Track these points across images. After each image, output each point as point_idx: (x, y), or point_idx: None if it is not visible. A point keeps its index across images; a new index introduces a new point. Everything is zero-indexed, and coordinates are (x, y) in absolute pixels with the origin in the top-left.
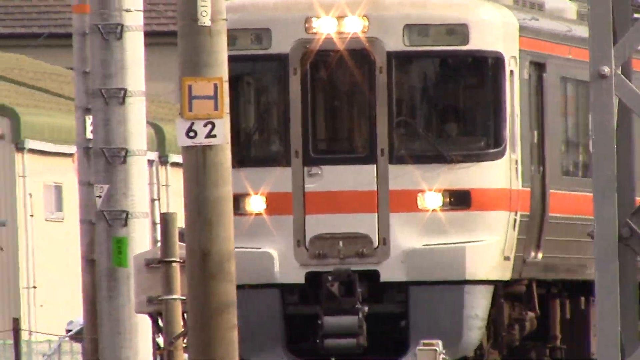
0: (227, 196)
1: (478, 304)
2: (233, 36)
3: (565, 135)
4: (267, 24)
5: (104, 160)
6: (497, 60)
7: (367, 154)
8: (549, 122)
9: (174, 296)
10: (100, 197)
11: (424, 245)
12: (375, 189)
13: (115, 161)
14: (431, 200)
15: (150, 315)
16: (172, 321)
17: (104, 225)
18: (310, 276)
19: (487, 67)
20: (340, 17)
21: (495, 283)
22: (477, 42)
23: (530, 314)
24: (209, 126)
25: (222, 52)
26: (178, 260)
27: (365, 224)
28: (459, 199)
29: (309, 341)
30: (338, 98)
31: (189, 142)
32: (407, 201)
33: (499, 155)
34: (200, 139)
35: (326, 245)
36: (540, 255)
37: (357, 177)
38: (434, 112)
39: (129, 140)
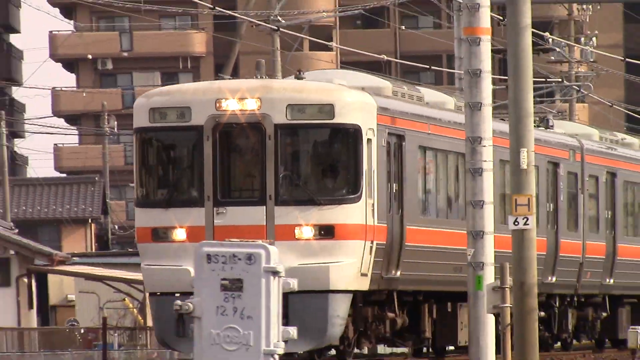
0: (533, 255)
1: (339, 307)
2: (164, 112)
3: (424, 187)
4: (188, 104)
5: None
6: (355, 131)
7: (259, 198)
8: (407, 177)
9: (507, 305)
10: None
11: (300, 264)
12: (265, 223)
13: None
14: (306, 232)
15: (495, 315)
16: (505, 317)
17: (472, 271)
18: None
19: (348, 135)
20: (241, 99)
21: (354, 292)
22: (341, 117)
23: (390, 315)
24: (525, 219)
25: (532, 183)
26: (507, 286)
27: None
28: (326, 231)
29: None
30: (238, 158)
31: (515, 227)
32: (288, 233)
33: (356, 200)
34: (520, 226)
35: None
36: (399, 273)
37: (252, 215)
38: (309, 168)
39: None
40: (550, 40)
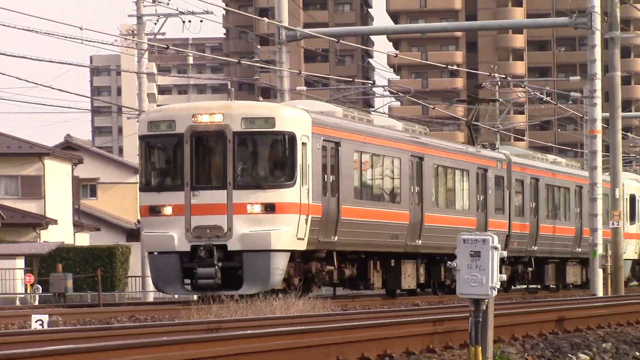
0: (621, 240)
1: (279, 262)
2: (157, 123)
3: (360, 178)
4: (174, 117)
5: None
6: (291, 137)
7: (222, 184)
8: (343, 171)
9: (608, 264)
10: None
11: (250, 231)
12: (226, 202)
13: None
14: (255, 208)
15: (602, 269)
16: (607, 270)
17: (591, 248)
18: (193, 247)
19: (286, 140)
20: (210, 114)
21: (292, 251)
22: (280, 127)
23: (329, 267)
24: (617, 222)
25: (620, 205)
26: (608, 254)
27: (220, 220)
28: (269, 208)
29: (192, 281)
30: (208, 156)
31: (612, 226)
32: (242, 208)
33: (291, 185)
34: (615, 225)
35: (200, 231)
36: (336, 238)
37: (217, 196)
38: (257, 163)
39: None
40: (630, 136)
